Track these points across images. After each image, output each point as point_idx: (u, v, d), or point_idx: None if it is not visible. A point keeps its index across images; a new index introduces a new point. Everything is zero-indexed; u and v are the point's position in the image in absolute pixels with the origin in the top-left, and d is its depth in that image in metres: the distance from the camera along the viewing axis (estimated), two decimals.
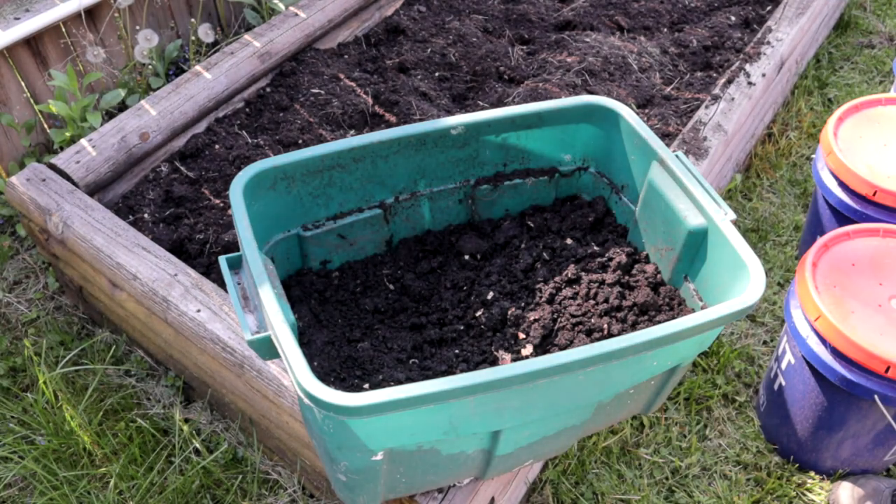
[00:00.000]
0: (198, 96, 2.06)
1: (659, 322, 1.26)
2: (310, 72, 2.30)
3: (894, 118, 1.95)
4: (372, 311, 1.35)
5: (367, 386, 1.18)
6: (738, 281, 1.10)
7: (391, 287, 1.38)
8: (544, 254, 1.38)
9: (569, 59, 2.38)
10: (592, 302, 1.29)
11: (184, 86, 2.07)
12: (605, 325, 1.25)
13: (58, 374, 1.79)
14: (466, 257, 1.41)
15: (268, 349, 1.05)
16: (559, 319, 1.28)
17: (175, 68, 2.58)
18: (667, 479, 1.71)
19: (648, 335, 1.00)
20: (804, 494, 1.69)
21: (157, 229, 1.82)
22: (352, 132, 2.13)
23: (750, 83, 2.27)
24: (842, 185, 1.85)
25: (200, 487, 1.64)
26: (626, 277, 1.33)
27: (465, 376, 0.94)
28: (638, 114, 2.20)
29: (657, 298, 1.29)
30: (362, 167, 1.30)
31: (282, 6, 2.48)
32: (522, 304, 1.31)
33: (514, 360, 1.24)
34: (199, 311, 1.51)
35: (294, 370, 0.94)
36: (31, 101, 2.27)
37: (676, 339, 1.03)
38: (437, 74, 2.37)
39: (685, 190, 1.23)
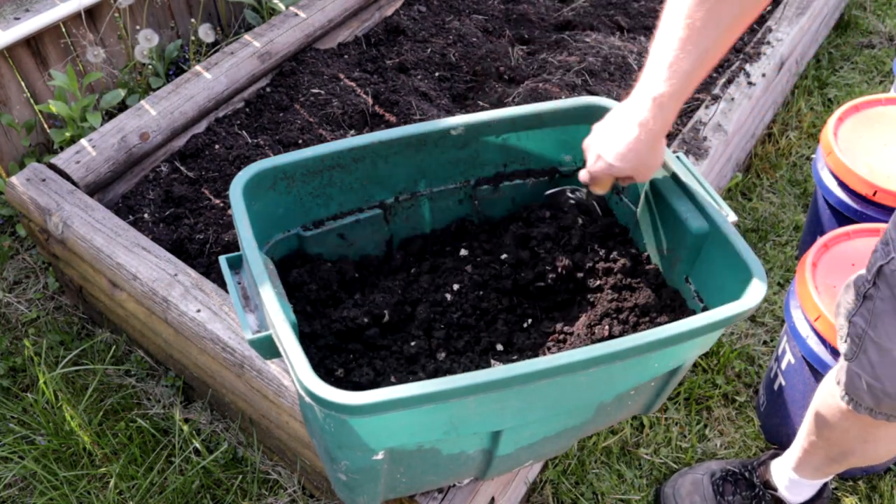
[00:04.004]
0: (198, 96, 2.06)
1: (660, 324, 1.26)
2: (310, 72, 2.30)
3: (894, 118, 1.95)
4: None
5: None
6: (739, 283, 1.10)
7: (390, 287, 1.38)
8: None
9: (569, 59, 2.38)
10: None
11: (184, 86, 2.07)
12: (606, 327, 1.25)
13: (58, 374, 1.79)
14: (464, 253, 1.41)
15: (269, 348, 1.05)
16: None
17: (175, 68, 2.58)
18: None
19: (650, 337, 1.00)
20: None
21: (157, 229, 1.82)
22: (352, 132, 2.13)
23: (750, 83, 2.27)
24: (842, 185, 1.85)
25: (200, 487, 1.65)
26: (628, 279, 1.33)
27: (466, 376, 0.94)
28: None
29: (659, 300, 1.29)
30: (362, 167, 1.30)
31: (282, 6, 2.48)
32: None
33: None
34: (199, 311, 1.51)
35: (295, 368, 0.94)
36: (31, 101, 2.27)
37: (678, 342, 1.03)
38: (437, 74, 2.37)
39: (686, 191, 1.23)
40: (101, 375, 1.82)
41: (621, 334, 1.24)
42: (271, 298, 1.02)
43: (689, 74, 1.00)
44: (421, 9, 2.68)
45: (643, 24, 2.67)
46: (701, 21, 0.95)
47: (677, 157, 1.27)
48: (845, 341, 1.21)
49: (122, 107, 2.38)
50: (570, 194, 1.32)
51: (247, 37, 2.26)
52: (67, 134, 2.10)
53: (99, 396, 1.79)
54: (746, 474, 1.61)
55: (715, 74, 2.41)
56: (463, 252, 1.40)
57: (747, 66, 2.32)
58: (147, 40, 2.20)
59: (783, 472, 1.55)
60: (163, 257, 1.61)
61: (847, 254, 1.61)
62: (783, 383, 1.68)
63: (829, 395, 1.31)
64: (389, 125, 2.13)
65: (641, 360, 1.05)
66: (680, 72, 1.00)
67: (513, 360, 1.23)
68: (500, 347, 1.25)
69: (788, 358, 1.64)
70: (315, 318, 1.26)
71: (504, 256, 1.35)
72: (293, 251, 1.34)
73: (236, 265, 1.16)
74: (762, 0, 0.96)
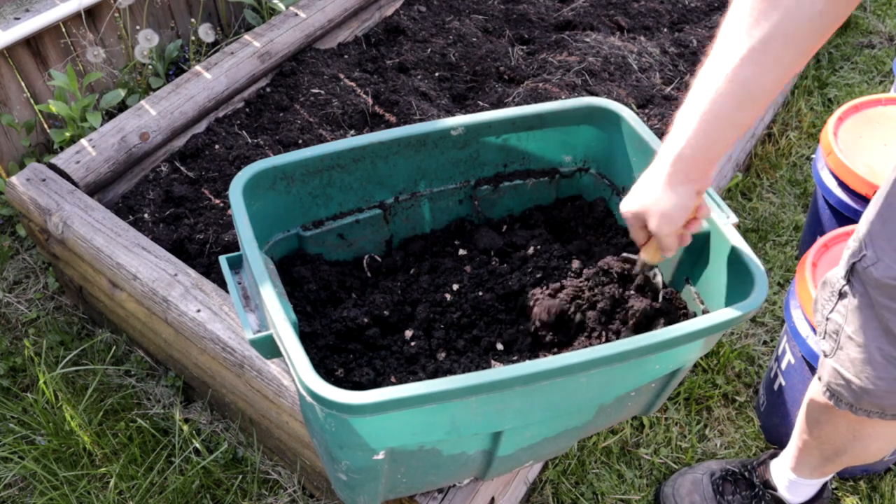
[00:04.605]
0: (198, 96, 2.06)
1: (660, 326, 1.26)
2: (310, 72, 2.30)
3: (894, 118, 1.95)
4: None
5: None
6: (740, 285, 1.10)
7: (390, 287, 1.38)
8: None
9: (569, 59, 2.38)
10: None
11: (184, 86, 2.07)
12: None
13: (58, 374, 1.79)
14: (462, 252, 1.41)
15: (269, 348, 1.05)
16: None
17: (175, 68, 2.58)
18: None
19: (650, 340, 1.00)
20: None
21: (157, 229, 1.82)
22: (352, 132, 2.13)
23: None
24: (842, 185, 1.85)
25: (200, 487, 1.64)
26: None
27: (467, 376, 0.94)
28: (638, 114, 2.20)
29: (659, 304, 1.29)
30: (362, 167, 1.30)
31: (282, 6, 2.48)
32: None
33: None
34: (199, 311, 1.51)
35: (297, 368, 0.94)
36: (31, 101, 2.27)
37: (678, 344, 1.03)
38: (437, 74, 2.37)
39: None
40: (101, 375, 1.82)
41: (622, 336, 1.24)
42: (272, 298, 1.02)
43: (711, 135, 0.97)
44: (421, 9, 2.68)
45: (643, 24, 2.67)
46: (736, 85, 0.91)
47: None
48: (824, 338, 1.21)
49: (122, 107, 2.38)
50: (645, 271, 1.23)
51: (247, 37, 2.26)
52: (67, 134, 2.10)
53: (99, 396, 1.79)
54: (746, 474, 1.61)
55: None
56: (462, 252, 1.41)
57: None
58: (147, 40, 2.20)
59: (782, 472, 1.55)
60: (163, 257, 1.61)
61: None
62: (783, 383, 1.68)
63: (817, 394, 1.31)
64: (389, 125, 2.13)
65: (641, 362, 1.05)
66: (702, 129, 0.96)
67: (513, 361, 1.23)
68: (500, 347, 1.25)
69: (788, 358, 1.64)
70: (315, 318, 1.26)
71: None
72: (293, 251, 1.34)
73: (236, 265, 1.16)
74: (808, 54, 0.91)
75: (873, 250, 1.06)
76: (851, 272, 1.12)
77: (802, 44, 0.88)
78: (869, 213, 1.09)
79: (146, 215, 1.86)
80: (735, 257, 1.13)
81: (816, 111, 2.72)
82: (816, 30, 0.87)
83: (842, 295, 1.15)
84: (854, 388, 1.17)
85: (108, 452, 1.69)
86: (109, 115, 2.34)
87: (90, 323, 1.99)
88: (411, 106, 2.14)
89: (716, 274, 1.19)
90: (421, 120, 2.09)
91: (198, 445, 1.67)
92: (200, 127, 2.10)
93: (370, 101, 2.20)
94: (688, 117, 0.97)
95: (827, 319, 1.19)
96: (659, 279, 1.24)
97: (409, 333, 1.25)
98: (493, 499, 1.45)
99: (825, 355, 1.22)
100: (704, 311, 1.23)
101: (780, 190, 2.43)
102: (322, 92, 2.22)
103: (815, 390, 1.33)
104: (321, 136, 2.08)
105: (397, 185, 1.36)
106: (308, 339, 1.22)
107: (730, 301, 1.08)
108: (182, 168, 1.99)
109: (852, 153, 1.86)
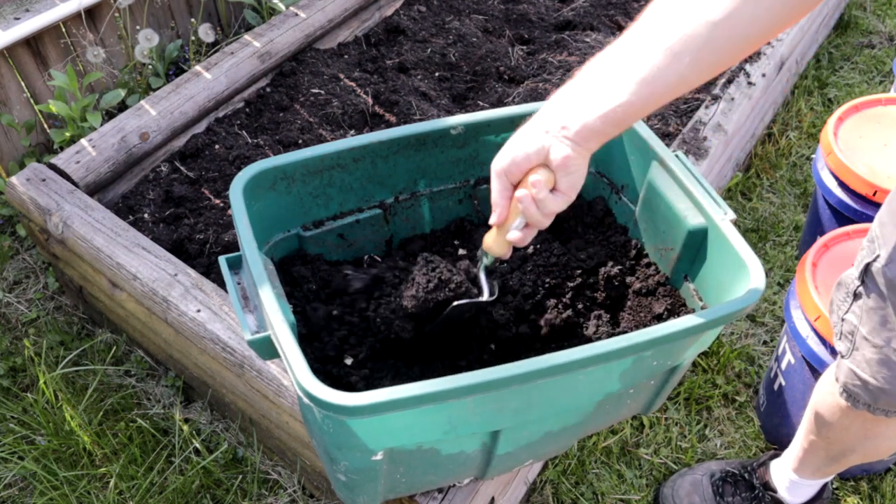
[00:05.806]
0: (198, 96, 2.06)
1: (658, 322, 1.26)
2: (310, 72, 2.30)
3: (894, 118, 1.95)
4: None
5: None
6: (738, 281, 1.10)
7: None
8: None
9: (569, 59, 2.38)
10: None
11: (184, 86, 2.07)
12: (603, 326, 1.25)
13: (58, 374, 1.79)
14: (462, 252, 1.41)
15: (268, 349, 1.05)
16: None
17: (175, 68, 2.58)
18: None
19: (648, 335, 1.00)
20: None
21: (157, 229, 1.82)
22: (352, 132, 2.13)
23: (750, 83, 2.27)
24: (842, 185, 1.85)
25: (200, 487, 1.65)
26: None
27: (464, 376, 0.94)
28: None
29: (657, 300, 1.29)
30: (362, 167, 1.30)
31: (282, 6, 2.48)
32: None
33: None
34: (199, 311, 1.51)
35: (294, 370, 0.94)
36: (31, 101, 2.27)
37: (674, 340, 1.03)
38: (437, 74, 2.37)
39: (685, 190, 1.23)
40: (101, 375, 1.83)
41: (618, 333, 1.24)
42: (270, 299, 1.02)
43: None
44: (421, 9, 2.68)
45: None
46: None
47: (676, 157, 1.27)
48: (840, 339, 1.21)
49: (122, 107, 2.38)
50: (482, 262, 1.14)
51: (247, 37, 2.26)
52: (67, 134, 2.10)
53: (99, 396, 1.79)
54: (746, 475, 1.61)
55: None
56: (461, 252, 1.41)
57: (747, 66, 2.32)
58: (147, 40, 2.20)
59: (783, 472, 1.55)
60: (163, 257, 1.61)
61: (847, 254, 1.61)
62: (783, 383, 1.68)
63: (827, 394, 1.31)
64: (389, 125, 2.13)
65: (639, 358, 1.05)
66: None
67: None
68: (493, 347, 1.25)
69: (788, 358, 1.64)
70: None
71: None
72: (293, 251, 1.34)
73: (236, 265, 1.16)
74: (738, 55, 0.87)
75: (886, 251, 1.07)
76: (865, 273, 1.12)
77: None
78: (881, 215, 1.10)
79: (146, 215, 1.86)
80: (731, 253, 1.13)
81: (816, 111, 2.72)
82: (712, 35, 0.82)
83: (856, 296, 1.15)
84: (871, 388, 1.17)
85: (108, 452, 1.69)
86: (109, 115, 2.34)
87: (90, 323, 1.99)
88: (411, 106, 2.14)
89: (714, 270, 1.19)
90: (421, 120, 2.09)
91: (198, 445, 1.67)
92: (200, 127, 2.10)
93: (370, 101, 2.20)
94: (587, 70, 0.93)
95: (842, 320, 1.20)
96: (487, 285, 1.15)
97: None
98: (493, 499, 1.45)
99: (841, 356, 1.22)
100: (703, 308, 1.23)
101: (780, 190, 2.43)
102: (322, 92, 2.22)
103: (825, 390, 1.33)
104: (321, 136, 2.08)
105: (397, 185, 1.36)
106: (307, 340, 1.22)
107: (727, 297, 1.07)
108: (182, 168, 1.99)
109: (852, 153, 1.86)
